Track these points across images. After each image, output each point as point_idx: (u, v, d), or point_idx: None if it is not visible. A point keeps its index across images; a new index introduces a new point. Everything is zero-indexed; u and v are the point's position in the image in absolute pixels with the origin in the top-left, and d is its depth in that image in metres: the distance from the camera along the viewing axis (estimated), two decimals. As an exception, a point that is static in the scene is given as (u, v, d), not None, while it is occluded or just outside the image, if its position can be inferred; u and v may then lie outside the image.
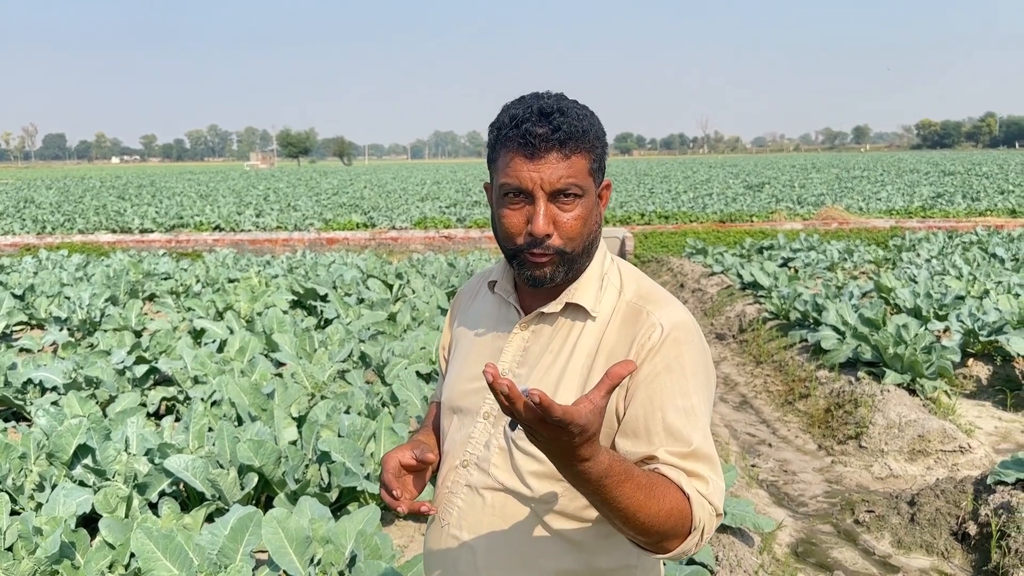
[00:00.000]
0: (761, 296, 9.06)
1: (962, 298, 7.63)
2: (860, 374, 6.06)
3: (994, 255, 11.22)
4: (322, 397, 5.20)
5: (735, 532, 3.65)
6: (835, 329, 6.80)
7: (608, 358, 1.26)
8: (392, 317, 7.45)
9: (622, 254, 14.01)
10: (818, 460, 5.29)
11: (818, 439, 5.59)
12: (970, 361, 6.48)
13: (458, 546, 1.34)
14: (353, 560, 3.03)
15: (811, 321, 7.41)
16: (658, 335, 1.24)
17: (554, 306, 1.33)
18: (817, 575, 3.82)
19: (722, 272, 11.06)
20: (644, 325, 1.27)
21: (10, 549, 3.05)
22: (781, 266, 11.27)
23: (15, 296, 8.86)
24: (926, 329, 6.42)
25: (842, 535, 4.26)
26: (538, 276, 1.29)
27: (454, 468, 1.37)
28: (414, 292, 8.86)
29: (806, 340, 7.11)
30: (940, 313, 7.23)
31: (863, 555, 4.03)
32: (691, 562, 3.20)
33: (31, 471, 3.83)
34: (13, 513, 3.54)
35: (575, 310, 1.33)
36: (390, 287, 9.15)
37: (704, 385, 1.27)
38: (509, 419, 1.29)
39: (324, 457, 3.92)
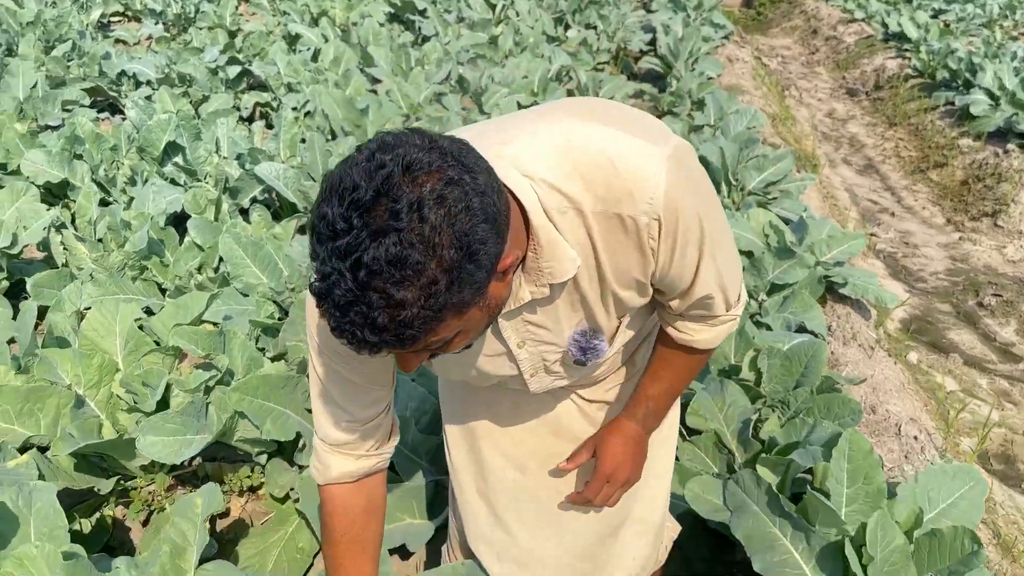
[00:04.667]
0: (906, 50, 8.08)
1: None
2: (1010, 146, 5.40)
3: None
4: (416, 119, 4.93)
5: (853, 303, 3.36)
6: (989, 93, 6.01)
7: (615, 273, 1.12)
8: (493, 40, 6.94)
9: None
10: (945, 235, 4.85)
11: (948, 213, 5.11)
12: None
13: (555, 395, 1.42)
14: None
15: (961, 83, 6.57)
16: (656, 228, 1.07)
17: (540, 291, 1.12)
18: (930, 355, 3.57)
19: (864, 20, 9.86)
20: (636, 230, 1.07)
21: (100, 241, 3.02)
22: (932, 17, 9.96)
23: (111, -16, 8.57)
24: (1100, 102, 5.59)
25: (962, 317, 3.96)
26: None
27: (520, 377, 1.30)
28: (518, 15, 8.18)
29: (952, 103, 6.35)
30: (1118, 85, 6.29)
31: (983, 340, 3.75)
32: (801, 329, 2.97)
33: (123, 163, 3.76)
34: (103, 203, 3.50)
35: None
36: (492, 7, 8.46)
37: (714, 230, 1.13)
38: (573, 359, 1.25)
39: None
